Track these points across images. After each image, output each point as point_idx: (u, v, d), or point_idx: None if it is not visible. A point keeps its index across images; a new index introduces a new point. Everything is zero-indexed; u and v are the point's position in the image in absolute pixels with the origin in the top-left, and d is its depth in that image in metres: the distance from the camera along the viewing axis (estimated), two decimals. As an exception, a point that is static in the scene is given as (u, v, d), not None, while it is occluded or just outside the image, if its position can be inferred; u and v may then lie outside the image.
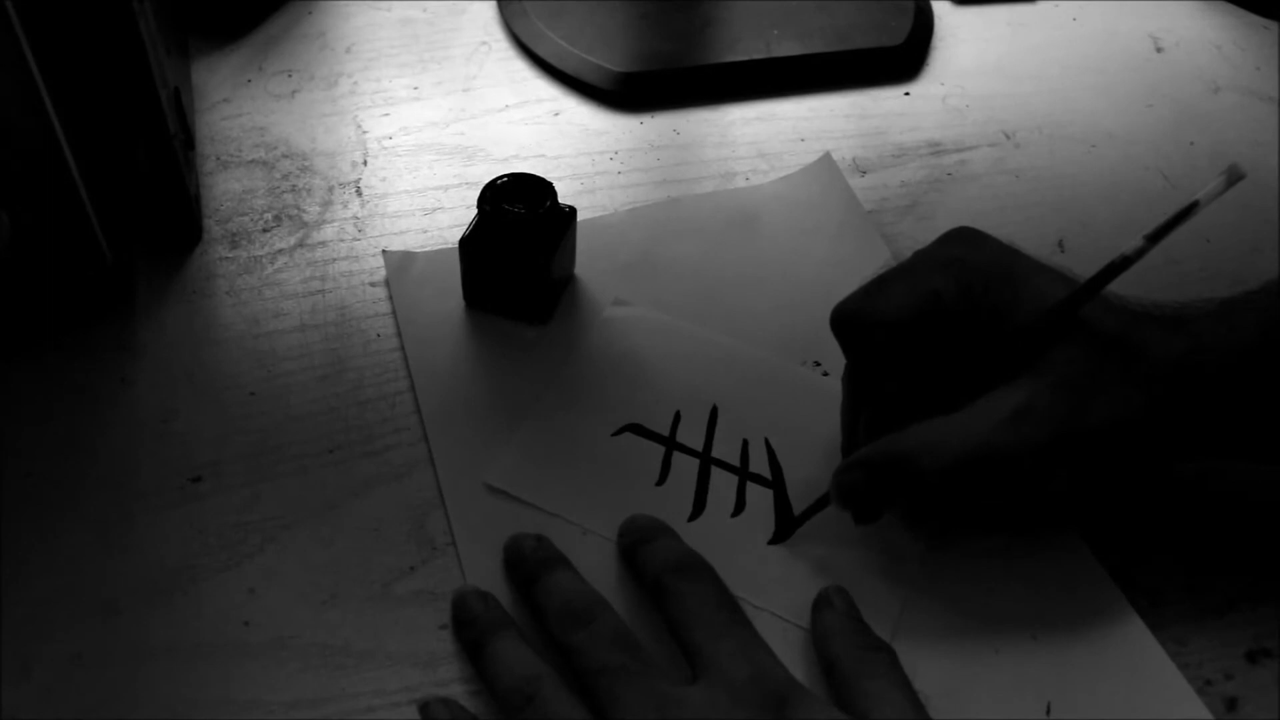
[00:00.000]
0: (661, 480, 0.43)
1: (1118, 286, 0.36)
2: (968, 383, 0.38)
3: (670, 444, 0.44)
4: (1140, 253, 0.35)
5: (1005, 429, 0.36)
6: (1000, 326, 0.37)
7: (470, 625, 0.37)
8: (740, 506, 0.42)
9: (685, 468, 0.43)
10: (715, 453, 0.44)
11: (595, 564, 0.39)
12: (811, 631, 0.38)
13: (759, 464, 0.43)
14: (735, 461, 0.43)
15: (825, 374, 0.46)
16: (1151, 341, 0.36)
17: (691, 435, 0.44)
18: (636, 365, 0.47)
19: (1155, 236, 0.35)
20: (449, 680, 0.37)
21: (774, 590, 0.39)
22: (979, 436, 0.36)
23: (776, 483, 0.43)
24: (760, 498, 0.42)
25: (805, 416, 0.45)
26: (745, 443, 0.44)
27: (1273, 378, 0.36)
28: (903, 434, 0.37)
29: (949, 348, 0.38)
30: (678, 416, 0.45)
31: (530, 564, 0.38)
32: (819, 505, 0.41)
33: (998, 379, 0.37)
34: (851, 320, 0.39)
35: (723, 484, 0.43)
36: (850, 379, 0.41)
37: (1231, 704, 0.37)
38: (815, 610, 0.38)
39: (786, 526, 0.41)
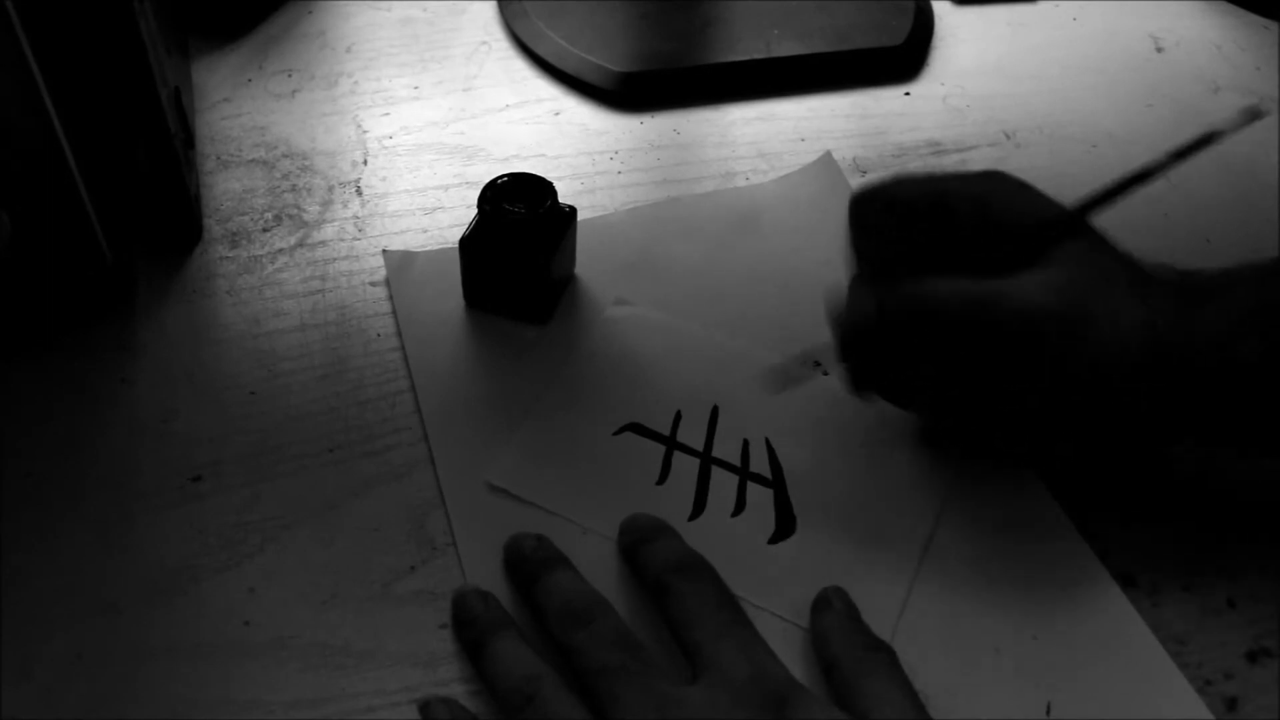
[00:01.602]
0: (662, 479, 0.43)
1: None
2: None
3: (671, 443, 0.44)
4: (1160, 167, 0.35)
5: (1037, 290, 0.36)
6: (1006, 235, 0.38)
7: (470, 625, 0.37)
8: (740, 506, 0.42)
9: (686, 467, 0.43)
10: (716, 452, 0.44)
11: (595, 562, 0.39)
12: (811, 632, 0.38)
13: (759, 464, 0.43)
14: (736, 461, 0.43)
15: (825, 374, 0.46)
16: (1155, 271, 0.38)
17: (692, 435, 0.44)
18: (637, 365, 0.47)
19: (1178, 155, 0.35)
20: (449, 680, 0.37)
21: (774, 590, 0.39)
22: (1005, 289, 0.36)
23: (777, 482, 0.43)
24: (761, 497, 0.42)
25: (806, 416, 0.45)
26: (746, 442, 0.44)
27: (1268, 358, 0.36)
28: (929, 280, 0.38)
29: (957, 245, 0.39)
30: (678, 416, 0.45)
31: (531, 564, 0.38)
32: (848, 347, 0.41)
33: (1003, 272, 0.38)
34: (869, 198, 0.40)
35: (723, 483, 0.43)
36: (863, 253, 0.41)
37: (1232, 704, 0.37)
38: (814, 611, 0.38)
39: (786, 525, 0.41)
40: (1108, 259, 0.38)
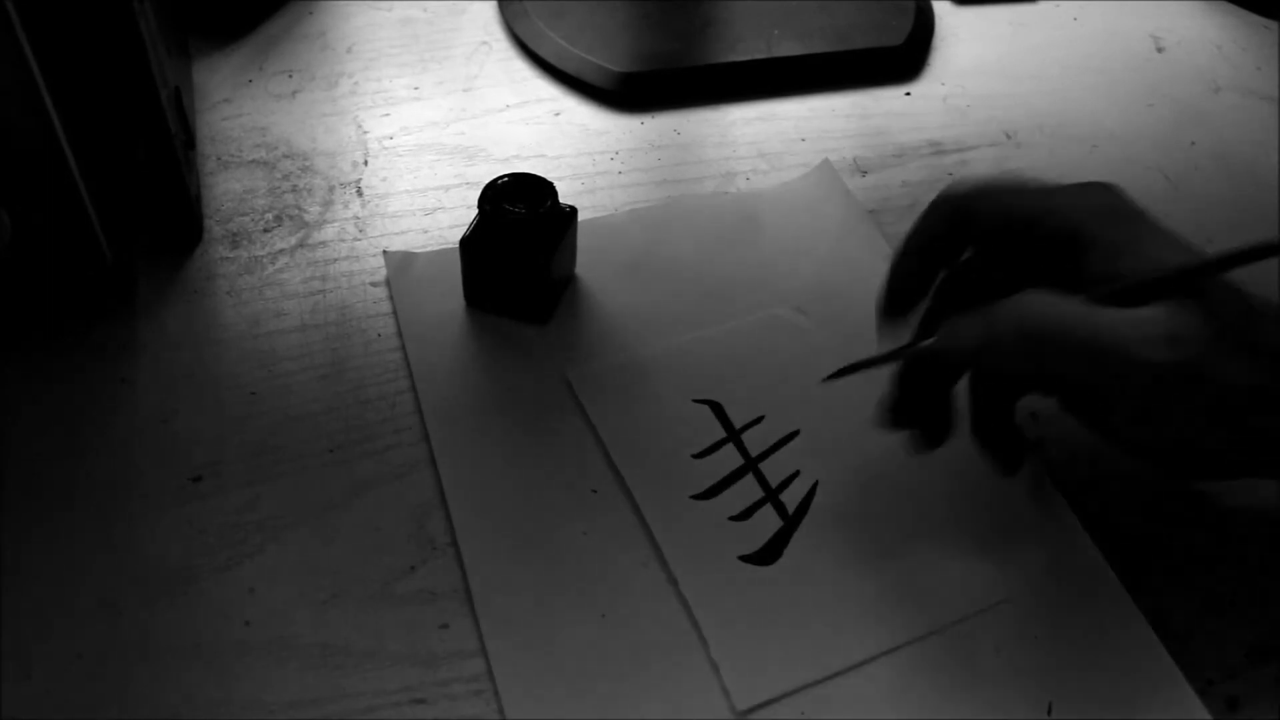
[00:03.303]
0: (700, 456, 0.43)
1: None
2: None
3: (733, 436, 0.44)
4: None
5: (1157, 344, 0.34)
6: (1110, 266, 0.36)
7: None
8: (744, 517, 0.42)
9: (728, 459, 0.43)
10: (763, 466, 0.43)
11: (598, 525, 0.40)
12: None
13: (792, 496, 0.42)
14: (773, 483, 0.43)
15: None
16: (1268, 328, 0.35)
17: (756, 441, 0.44)
18: (765, 357, 0.47)
19: None
20: (449, 680, 0.37)
21: (709, 595, 0.39)
22: (1124, 338, 0.34)
23: (791, 520, 0.42)
24: (767, 521, 0.42)
25: (863, 482, 0.43)
26: (796, 474, 0.43)
27: None
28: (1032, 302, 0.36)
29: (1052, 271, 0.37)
30: (759, 419, 0.45)
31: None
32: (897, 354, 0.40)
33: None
34: (977, 194, 0.39)
35: (746, 490, 0.42)
36: (929, 241, 0.40)
37: (1233, 703, 0.37)
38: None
39: (768, 555, 0.40)
40: (1218, 323, 0.35)
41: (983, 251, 0.40)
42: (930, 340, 0.38)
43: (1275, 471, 0.39)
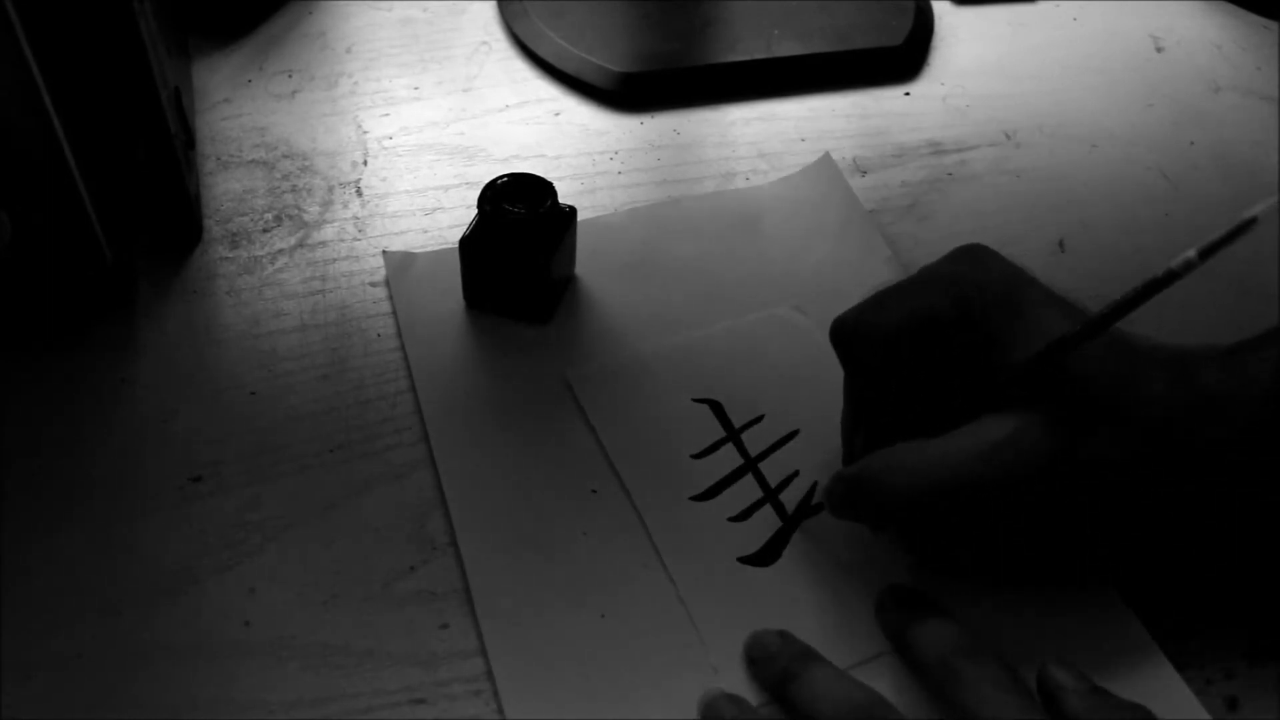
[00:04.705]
0: (699, 456, 0.43)
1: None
2: (961, 406, 0.37)
3: (733, 436, 0.44)
4: (1189, 267, 0.31)
5: (981, 460, 0.35)
6: (996, 350, 0.36)
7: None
8: (743, 518, 0.42)
9: (727, 459, 0.43)
10: (763, 465, 0.43)
11: (598, 526, 0.41)
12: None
13: (792, 496, 0.42)
14: (773, 483, 0.43)
15: None
16: (1153, 381, 0.35)
17: (756, 440, 0.44)
18: (765, 355, 0.47)
19: (1208, 251, 0.31)
20: (449, 680, 0.37)
21: (708, 596, 0.39)
22: (953, 464, 0.35)
23: (791, 520, 0.42)
24: (767, 521, 0.42)
25: None
26: (795, 474, 0.43)
27: None
28: (883, 452, 0.37)
29: (945, 367, 0.37)
30: (759, 419, 0.45)
31: (783, 659, 0.37)
32: (809, 510, 0.42)
33: (990, 405, 0.36)
34: (848, 333, 0.38)
35: (745, 490, 0.42)
36: (849, 391, 0.41)
37: (1232, 704, 0.37)
38: (1049, 694, 0.35)
39: (767, 556, 0.40)
40: (1093, 395, 0.35)
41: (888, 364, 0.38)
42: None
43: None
